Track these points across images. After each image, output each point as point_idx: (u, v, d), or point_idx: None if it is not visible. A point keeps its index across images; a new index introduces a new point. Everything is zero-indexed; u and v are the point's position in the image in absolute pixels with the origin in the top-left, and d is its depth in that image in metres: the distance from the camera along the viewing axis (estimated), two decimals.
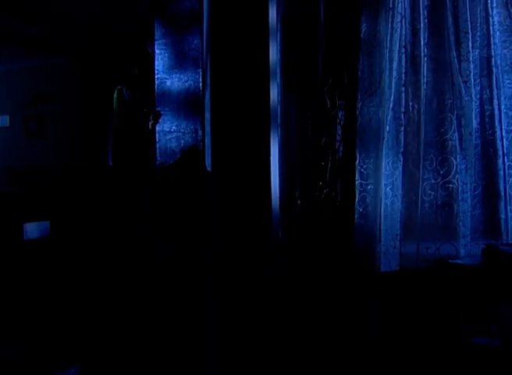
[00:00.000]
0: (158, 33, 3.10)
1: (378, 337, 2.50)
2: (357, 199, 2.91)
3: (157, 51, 3.12)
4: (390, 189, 2.93)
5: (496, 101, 2.86)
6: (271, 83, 2.97)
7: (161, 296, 2.96)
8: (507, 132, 2.93)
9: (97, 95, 5.73)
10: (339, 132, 3.05)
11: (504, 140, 2.82)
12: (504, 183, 2.89)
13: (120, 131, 3.30)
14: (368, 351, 2.48)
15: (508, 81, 2.88)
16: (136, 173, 3.06)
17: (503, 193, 2.89)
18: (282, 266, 2.97)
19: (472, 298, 2.25)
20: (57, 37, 5.76)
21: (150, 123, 3.11)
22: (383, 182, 2.93)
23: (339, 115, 3.03)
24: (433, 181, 2.92)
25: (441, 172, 2.92)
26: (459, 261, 2.45)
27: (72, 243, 4.31)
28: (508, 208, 2.91)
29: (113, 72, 5.35)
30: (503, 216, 2.90)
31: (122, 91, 3.35)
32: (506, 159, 2.81)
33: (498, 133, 2.85)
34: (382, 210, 2.92)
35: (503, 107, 2.86)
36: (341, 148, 3.06)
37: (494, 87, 2.85)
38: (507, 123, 2.83)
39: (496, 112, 2.86)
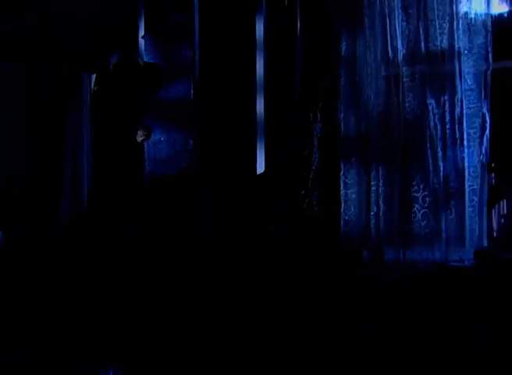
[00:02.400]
0: (147, 44, 3.14)
1: (375, 336, 2.65)
2: (342, 208, 3.07)
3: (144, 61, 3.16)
4: (373, 199, 3.10)
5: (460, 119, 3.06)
6: (257, 95, 3.09)
7: (158, 296, 3.00)
8: (468, 147, 3.12)
9: (48, 103, 5.62)
10: (321, 144, 3.21)
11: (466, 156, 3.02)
12: None
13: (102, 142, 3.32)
14: (364, 351, 2.62)
15: (470, 101, 3.09)
16: (128, 177, 3.09)
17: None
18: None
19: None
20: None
21: (140, 138, 3.16)
22: (365, 191, 3.10)
23: (322, 127, 3.20)
24: (415, 194, 3.10)
25: (421, 186, 3.10)
26: (456, 264, 2.65)
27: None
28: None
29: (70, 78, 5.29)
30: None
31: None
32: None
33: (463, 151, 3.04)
34: (366, 218, 3.08)
35: (465, 124, 3.05)
36: (323, 159, 3.22)
37: (458, 106, 3.05)
38: (468, 145, 3.03)
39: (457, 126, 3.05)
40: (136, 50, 3.95)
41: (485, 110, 2.99)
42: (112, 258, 3.55)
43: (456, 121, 2.98)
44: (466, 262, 2.66)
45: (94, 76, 5.20)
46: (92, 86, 5.12)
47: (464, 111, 3.03)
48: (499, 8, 3.39)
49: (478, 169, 3.02)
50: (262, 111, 3.16)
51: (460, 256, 2.77)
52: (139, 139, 3.15)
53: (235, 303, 2.90)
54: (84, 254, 4.32)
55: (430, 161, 3.14)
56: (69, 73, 5.29)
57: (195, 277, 2.94)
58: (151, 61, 3.17)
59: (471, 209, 3.09)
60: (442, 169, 3.02)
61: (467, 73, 3.01)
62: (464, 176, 2.94)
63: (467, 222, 3.07)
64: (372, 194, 3.15)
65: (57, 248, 5.04)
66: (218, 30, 3.12)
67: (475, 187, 3.06)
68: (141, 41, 3.86)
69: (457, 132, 2.97)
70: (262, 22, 3.16)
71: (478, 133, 3.02)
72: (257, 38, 3.17)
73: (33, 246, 5.08)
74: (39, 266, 4.74)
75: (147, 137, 3.12)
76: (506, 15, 3.33)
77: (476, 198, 2.99)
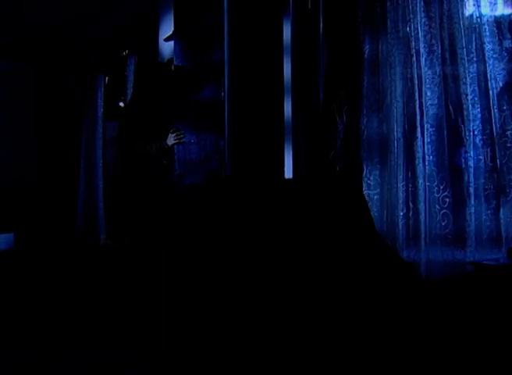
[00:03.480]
0: (176, 47, 3.17)
1: None
2: None
3: (175, 63, 3.19)
4: (395, 199, 3.14)
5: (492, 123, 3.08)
6: (285, 98, 3.13)
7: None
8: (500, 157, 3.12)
9: (58, 105, 5.62)
10: (345, 146, 3.26)
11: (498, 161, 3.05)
12: None
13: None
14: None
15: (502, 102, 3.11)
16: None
17: None
18: None
19: None
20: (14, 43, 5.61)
21: (173, 141, 3.18)
22: (388, 192, 3.14)
23: (346, 129, 3.24)
24: (436, 195, 3.14)
25: (441, 187, 3.14)
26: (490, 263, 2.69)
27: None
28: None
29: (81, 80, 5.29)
30: None
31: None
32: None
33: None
34: (387, 219, 3.11)
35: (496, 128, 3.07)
36: (346, 161, 3.26)
37: (491, 108, 3.07)
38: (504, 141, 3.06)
39: (489, 132, 3.07)
40: (157, 52, 3.98)
41: None
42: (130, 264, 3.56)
43: (493, 122, 3.02)
44: (501, 261, 2.70)
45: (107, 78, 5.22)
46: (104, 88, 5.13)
47: (497, 112, 3.06)
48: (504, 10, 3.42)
49: None
50: (290, 113, 3.20)
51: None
52: (170, 143, 3.19)
53: None
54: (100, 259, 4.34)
55: (456, 161, 3.18)
56: (83, 74, 5.28)
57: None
58: (180, 63, 3.19)
59: None
60: (470, 169, 3.06)
61: (498, 74, 3.05)
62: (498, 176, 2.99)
63: None
64: (395, 196, 3.19)
65: (71, 251, 5.04)
66: (247, 32, 3.17)
67: None
68: (162, 43, 3.89)
69: (493, 131, 3.01)
70: (290, 25, 3.21)
71: None
72: (284, 41, 3.22)
73: (45, 249, 5.08)
74: (50, 268, 4.74)
75: (180, 141, 3.16)
76: None
77: None
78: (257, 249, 3.00)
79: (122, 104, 3.81)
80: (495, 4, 3.21)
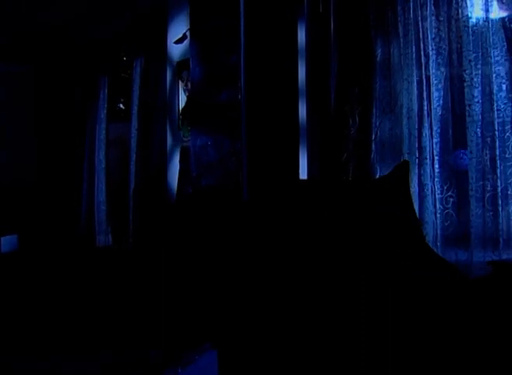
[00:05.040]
0: (192, 50, 3.17)
1: None
2: None
3: (192, 66, 3.19)
4: None
5: (495, 125, 3.12)
6: (300, 100, 3.15)
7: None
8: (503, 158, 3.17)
9: (58, 105, 5.57)
10: (358, 148, 3.28)
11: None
12: None
13: None
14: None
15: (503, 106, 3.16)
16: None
17: None
18: None
19: None
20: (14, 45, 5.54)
21: None
22: None
23: (359, 131, 3.27)
24: (440, 195, 3.18)
25: (445, 187, 3.18)
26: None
27: None
28: None
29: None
30: None
31: None
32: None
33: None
34: None
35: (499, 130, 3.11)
36: (359, 163, 3.29)
37: (495, 111, 3.11)
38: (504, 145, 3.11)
39: (497, 133, 3.11)
40: (165, 54, 3.97)
41: None
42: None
43: (496, 125, 3.06)
44: None
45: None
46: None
47: (500, 114, 3.09)
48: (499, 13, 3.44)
49: None
50: (304, 115, 3.23)
51: None
52: None
53: None
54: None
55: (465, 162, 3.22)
56: (83, 74, 5.25)
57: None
58: (197, 66, 3.19)
59: None
60: (480, 170, 3.10)
61: (506, 78, 3.08)
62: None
63: None
64: None
65: (73, 252, 5.01)
66: (263, 35, 3.19)
67: None
68: (171, 46, 3.88)
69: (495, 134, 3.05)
70: (304, 29, 3.23)
71: None
72: (299, 44, 3.25)
73: (48, 250, 5.05)
74: (53, 270, 4.71)
75: None
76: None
77: None
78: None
79: None
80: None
